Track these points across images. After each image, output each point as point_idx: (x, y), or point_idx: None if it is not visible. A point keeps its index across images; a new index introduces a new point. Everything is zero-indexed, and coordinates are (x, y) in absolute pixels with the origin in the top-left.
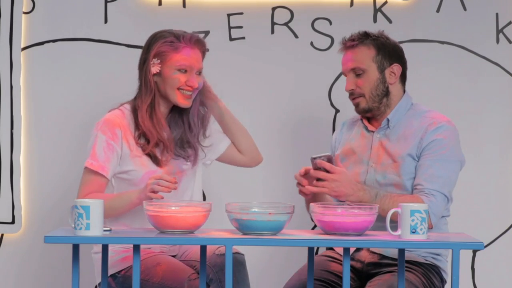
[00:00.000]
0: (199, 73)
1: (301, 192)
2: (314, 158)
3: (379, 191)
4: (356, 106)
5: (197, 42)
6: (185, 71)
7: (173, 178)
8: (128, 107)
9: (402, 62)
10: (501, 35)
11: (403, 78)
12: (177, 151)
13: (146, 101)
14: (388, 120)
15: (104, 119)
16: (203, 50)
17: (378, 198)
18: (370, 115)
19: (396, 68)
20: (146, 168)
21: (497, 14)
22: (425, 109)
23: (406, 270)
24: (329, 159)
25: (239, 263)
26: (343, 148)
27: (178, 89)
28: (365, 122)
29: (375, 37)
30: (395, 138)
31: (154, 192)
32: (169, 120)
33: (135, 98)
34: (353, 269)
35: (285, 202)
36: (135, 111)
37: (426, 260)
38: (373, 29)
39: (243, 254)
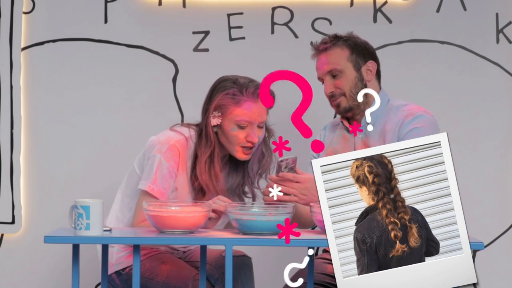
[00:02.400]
0: (263, 126)
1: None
2: (281, 161)
3: None
4: (337, 106)
5: (256, 95)
6: (245, 126)
7: (228, 199)
8: (194, 139)
9: (376, 59)
10: (501, 35)
11: (378, 75)
12: (232, 198)
13: (206, 152)
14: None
15: (169, 145)
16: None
17: None
18: (351, 114)
19: (371, 65)
20: None
21: (497, 14)
22: (402, 103)
23: None
24: (295, 161)
25: (245, 265)
26: (327, 151)
27: (239, 145)
28: (345, 123)
29: (346, 38)
30: (376, 135)
31: (214, 211)
32: (227, 168)
33: (199, 143)
34: None
35: (285, 202)
36: (195, 152)
37: None
38: (373, 29)
39: (250, 257)
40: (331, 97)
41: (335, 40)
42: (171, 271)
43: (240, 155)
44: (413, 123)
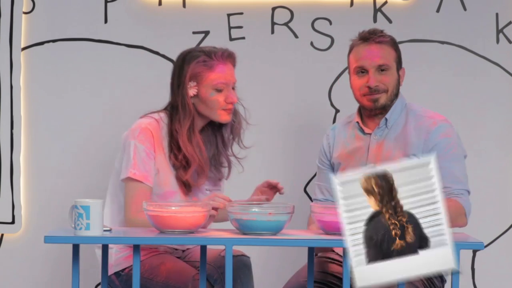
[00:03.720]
0: (235, 87)
1: None
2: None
3: None
4: (374, 101)
5: (229, 56)
6: (222, 89)
7: (226, 196)
8: (165, 119)
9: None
10: (501, 35)
11: None
12: (211, 172)
13: (186, 124)
14: (386, 119)
15: (141, 128)
16: (235, 63)
17: None
18: (379, 112)
19: (403, 72)
20: (167, 188)
21: (497, 14)
22: (419, 108)
23: None
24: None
25: (244, 265)
26: (339, 153)
27: (220, 109)
28: (361, 124)
29: (394, 38)
30: (393, 138)
31: (215, 208)
32: (203, 139)
33: (171, 119)
34: None
35: (285, 202)
36: (170, 129)
37: None
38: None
39: (249, 257)
40: (373, 91)
41: (387, 36)
42: (171, 271)
43: (224, 117)
44: (441, 134)
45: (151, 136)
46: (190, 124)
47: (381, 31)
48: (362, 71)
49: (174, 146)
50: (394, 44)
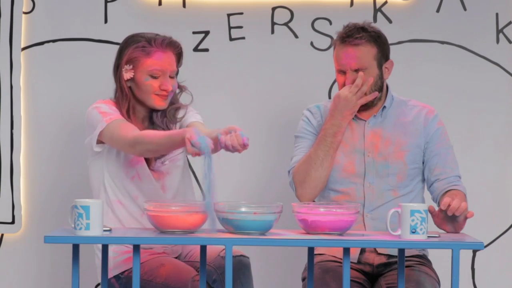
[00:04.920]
0: (174, 76)
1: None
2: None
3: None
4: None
5: (170, 44)
6: (158, 76)
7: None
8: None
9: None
10: (501, 35)
11: None
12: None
13: (124, 106)
14: (384, 107)
15: (97, 102)
16: (177, 52)
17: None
18: (363, 108)
19: (389, 63)
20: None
21: (497, 14)
22: (406, 99)
23: (421, 264)
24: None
25: (244, 265)
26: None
27: (154, 93)
28: (357, 112)
29: (374, 34)
30: (390, 127)
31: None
32: (148, 122)
33: (117, 100)
34: (363, 273)
35: (277, 202)
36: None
37: (424, 253)
38: None
39: (248, 257)
40: None
41: (366, 35)
42: (170, 272)
43: (158, 103)
44: (437, 122)
45: (109, 103)
46: (128, 107)
47: (359, 30)
48: (341, 71)
49: None
50: (375, 40)
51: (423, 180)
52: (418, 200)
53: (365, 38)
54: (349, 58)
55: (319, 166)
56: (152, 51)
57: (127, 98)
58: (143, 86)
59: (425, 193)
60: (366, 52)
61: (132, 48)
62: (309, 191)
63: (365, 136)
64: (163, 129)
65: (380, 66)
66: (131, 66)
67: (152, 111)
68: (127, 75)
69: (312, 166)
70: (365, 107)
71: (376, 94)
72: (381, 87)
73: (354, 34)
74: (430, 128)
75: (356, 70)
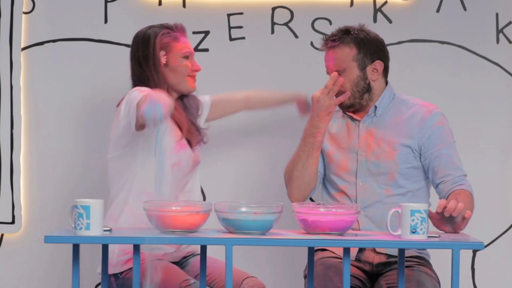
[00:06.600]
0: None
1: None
2: None
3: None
4: (340, 103)
5: (184, 29)
6: (188, 57)
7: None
8: None
9: (384, 56)
10: (501, 35)
11: (385, 71)
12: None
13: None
14: (375, 107)
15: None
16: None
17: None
18: (352, 110)
19: (378, 65)
20: (177, 138)
21: (497, 14)
22: (408, 97)
23: (422, 265)
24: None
25: None
26: (331, 136)
27: (188, 75)
28: (349, 113)
29: (356, 34)
30: (384, 126)
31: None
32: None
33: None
34: (363, 271)
35: (277, 202)
36: None
37: (424, 254)
38: (373, 29)
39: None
40: (336, 94)
41: (345, 36)
42: (161, 277)
43: (191, 84)
44: (436, 122)
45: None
46: (166, 92)
47: (339, 32)
48: (328, 73)
49: None
50: (355, 41)
51: (426, 179)
52: (420, 200)
53: (342, 40)
54: (328, 60)
55: (301, 166)
56: (178, 36)
57: (165, 83)
58: (180, 67)
59: (434, 194)
60: (343, 54)
61: (160, 36)
62: (295, 191)
63: (360, 135)
64: (193, 114)
65: (362, 67)
66: (164, 52)
67: (182, 99)
68: (162, 60)
69: (294, 166)
70: (354, 108)
71: (348, 94)
72: (366, 88)
73: (331, 37)
74: (426, 129)
75: (339, 72)
